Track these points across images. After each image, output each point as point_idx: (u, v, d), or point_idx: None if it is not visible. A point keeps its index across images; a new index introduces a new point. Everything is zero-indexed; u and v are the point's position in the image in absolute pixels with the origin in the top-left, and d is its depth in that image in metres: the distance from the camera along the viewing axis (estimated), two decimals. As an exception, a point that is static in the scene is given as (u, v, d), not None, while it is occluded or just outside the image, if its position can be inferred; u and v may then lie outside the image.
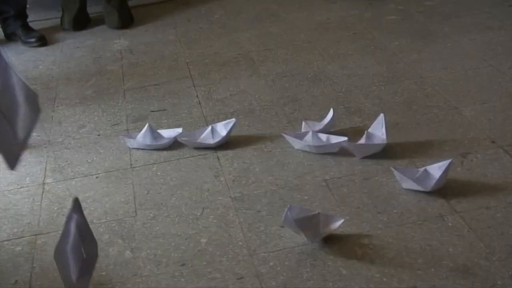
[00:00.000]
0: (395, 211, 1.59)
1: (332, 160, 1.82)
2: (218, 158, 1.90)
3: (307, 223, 1.47)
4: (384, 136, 1.81)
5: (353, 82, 2.25)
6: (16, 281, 1.51)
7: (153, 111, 2.23)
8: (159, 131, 2.02)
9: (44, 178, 1.91)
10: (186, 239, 1.58)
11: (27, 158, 1.99)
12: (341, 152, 1.83)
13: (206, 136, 1.96)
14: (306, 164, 1.82)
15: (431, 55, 2.38)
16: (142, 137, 1.99)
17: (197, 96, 2.30)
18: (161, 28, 2.99)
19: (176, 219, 1.66)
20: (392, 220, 1.56)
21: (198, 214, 1.67)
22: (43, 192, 1.84)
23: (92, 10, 3.13)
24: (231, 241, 1.55)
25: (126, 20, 3.05)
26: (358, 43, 2.56)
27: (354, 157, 1.82)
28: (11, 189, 1.86)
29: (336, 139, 1.84)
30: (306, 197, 1.68)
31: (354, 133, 1.91)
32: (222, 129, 1.96)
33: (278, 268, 1.45)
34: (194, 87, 2.38)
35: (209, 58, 2.61)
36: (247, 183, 1.77)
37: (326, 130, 1.91)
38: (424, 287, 1.35)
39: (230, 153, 1.92)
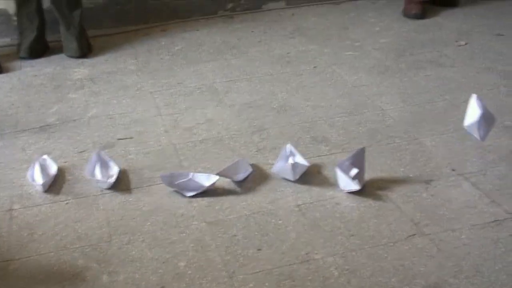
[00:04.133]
0: (366, 233, 1.65)
1: (303, 186, 1.87)
2: (190, 184, 1.92)
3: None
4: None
5: (317, 113, 2.33)
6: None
7: (120, 139, 2.23)
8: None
9: (11, 204, 1.86)
10: (163, 262, 1.59)
11: (-8, 184, 1.95)
12: (310, 179, 1.89)
13: (185, 186, 1.86)
14: (278, 190, 1.86)
15: (390, 89, 2.50)
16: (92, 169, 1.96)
17: (164, 124, 2.32)
18: (122, 58, 3.01)
19: (152, 244, 1.66)
20: (364, 242, 1.62)
21: (174, 238, 1.68)
22: (11, 218, 1.80)
23: (50, 37, 3.11)
24: (209, 264, 1.57)
25: (85, 48, 3.05)
26: (319, 76, 2.66)
27: (323, 184, 1.88)
28: (-23, 215, 1.82)
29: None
30: (280, 222, 1.72)
31: (325, 161, 1.98)
32: (204, 180, 1.86)
33: (258, 290, 1.47)
34: (161, 116, 2.40)
35: (173, 88, 2.64)
36: (221, 208, 1.80)
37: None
38: (400, 305, 1.41)
39: (202, 179, 1.94)
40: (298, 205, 1.79)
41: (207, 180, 1.86)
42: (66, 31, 3.01)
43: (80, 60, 2.99)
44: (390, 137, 2.13)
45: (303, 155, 2.00)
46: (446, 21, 3.26)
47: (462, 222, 1.68)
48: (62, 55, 3.04)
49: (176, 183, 1.86)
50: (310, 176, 1.92)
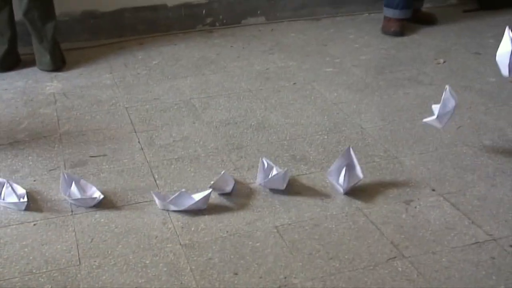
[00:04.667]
0: (346, 256, 1.61)
1: (281, 207, 1.83)
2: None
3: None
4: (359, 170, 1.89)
5: (296, 131, 2.30)
6: None
7: (92, 156, 2.17)
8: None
9: (-24, 225, 1.78)
10: (135, 288, 1.52)
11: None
12: (289, 199, 1.85)
13: (176, 201, 1.81)
14: (256, 210, 1.81)
15: (369, 107, 2.48)
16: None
17: (139, 141, 2.26)
18: (96, 72, 2.94)
19: (124, 268, 1.59)
20: (344, 266, 1.57)
21: (147, 262, 1.61)
22: (-25, 240, 1.72)
23: (23, 50, 3.03)
24: (183, 289, 1.51)
25: (58, 62, 2.97)
26: (298, 93, 2.63)
27: (301, 204, 1.84)
28: None
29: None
30: (257, 244, 1.67)
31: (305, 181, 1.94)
32: (197, 195, 1.83)
33: (234, 317, 1.41)
34: (135, 132, 2.33)
35: (149, 104, 2.58)
36: (196, 229, 1.74)
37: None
38: (380, 333, 1.36)
39: (177, 199, 1.88)
40: (276, 227, 1.74)
41: (200, 194, 1.82)
42: (39, 44, 2.93)
43: (53, 74, 2.92)
44: (370, 156, 2.09)
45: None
46: (425, 39, 3.26)
47: (442, 244, 1.64)
48: (35, 69, 2.96)
49: (168, 200, 1.81)
50: (289, 195, 1.88)
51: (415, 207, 1.80)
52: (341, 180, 1.85)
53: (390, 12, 3.32)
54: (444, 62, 2.95)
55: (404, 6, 3.28)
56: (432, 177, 1.95)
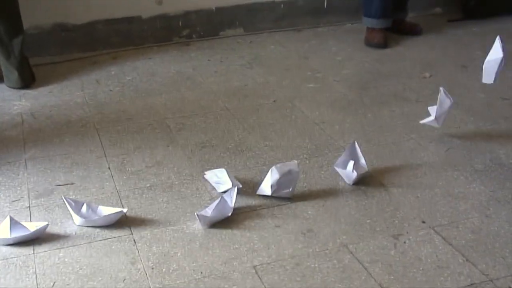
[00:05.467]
0: (331, 301, 1.48)
1: (260, 243, 1.69)
2: (134, 241, 1.72)
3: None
4: (364, 161, 1.96)
5: (276, 155, 2.16)
6: None
7: (59, 185, 2.02)
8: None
9: None
10: None
11: None
12: (269, 234, 1.72)
13: (220, 207, 1.78)
14: (232, 247, 1.68)
15: (353, 126, 2.36)
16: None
17: (109, 167, 2.12)
18: (67, 89, 2.79)
19: (87, 318, 1.45)
20: (328, 312, 1.45)
21: (113, 310, 1.47)
22: None
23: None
24: None
25: (27, 79, 2.82)
26: (278, 112, 2.50)
27: (282, 240, 1.71)
28: None
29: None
30: (234, 287, 1.53)
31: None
32: (229, 199, 1.81)
33: None
34: (106, 157, 2.19)
35: (121, 124, 2.44)
36: (168, 271, 1.60)
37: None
38: None
39: (147, 235, 1.74)
40: (255, 266, 1.60)
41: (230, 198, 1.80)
42: (6, 60, 2.77)
43: (22, 92, 2.77)
44: (355, 183, 1.97)
45: (259, 202, 1.83)
46: (409, 51, 3.16)
47: (435, 286, 1.52)
48: (2, 86, 2.81)
49: (213, 213, 1.75)
50: (268, 229, 1.74)
51: (405, 242, 1.67)
52: (349, 171, 1.91)
53: (368, 22, 3.22)
54: (431, 76, 2.84)
55: (381, 15, 3.17)
56: (421, 206, 1.83)
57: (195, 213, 1.77)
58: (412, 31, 3.38)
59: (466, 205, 1.83)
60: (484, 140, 2.22)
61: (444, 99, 2.12)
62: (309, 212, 1.82)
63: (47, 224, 1.76)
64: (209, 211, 1.77)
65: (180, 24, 3.33)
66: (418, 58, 3.06)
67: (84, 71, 2.98)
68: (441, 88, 2.13)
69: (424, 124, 2.24)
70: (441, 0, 3.74)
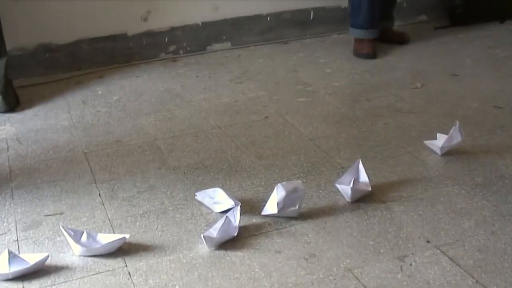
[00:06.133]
0: (338, 331, 1.43)
1: (261, 271, 1.63)
2: (129, 274, 1.65)
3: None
4: (367, 180, 1.92)
5: (271, 174, 2.11)
6: None
7: (48, 215, 1.94)
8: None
9: None
10: None
11: None
12: (268, 259, 1.66)
13: (225, 228, 1.73)
14: (233, 277, 1.61)
15: (348, 141, 2.31)
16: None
17: (99, 194, 2.04)
18: (53, 112, 2.71)
19: None
20: None
21: None
22: None
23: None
24: None
25: (11, 102, 2.74)
26: (271, 129, 2.45)
27: (284, 266, 1.64)
28: None
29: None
30: (237, 320, 1.48)
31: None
32: (233, 218, 1.77)
33: None
34: (95, 183, 2.12)
35: (110, 147, 2.37)
36: (166, 305, 1.53)
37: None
38: None
39: (143, 267, 1.67)
40: (257, 296, 1.54)
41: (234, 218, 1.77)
42: (-11, 83, 2.69)
43: (6, 116, 2.69)
44: (354, 202, 1.91)
45: (257, 226, 1.77)
46: (399, 61, 3.13)
47: (444, 310, 1.47)
48: (-15, 110, 2.72)
49: (218, 234, 1.70)
50: (269, 255, 1.68)
51: (411, 264, 1.62)
52: (348, 189, 1.87)
53: (356, 33, 3.18)
54: (422, 86, 2.80)
55: (369, 26, 3.14)
56: (425, 224, 1.78)
57: (201, 235, 1.70)
58: (400, 39, 3.35)
59: (470, 222, 1.79)
60: (482, 151, 2.19)
61: (456, 134, 2.12)
62: (310, 235, 1.76)
63: (48, 256, 1.68)
64: (214, 232, 1.71)
65: (166, 40, 3.27)
66: (408, 68, 3.03)
67: (69, 91, 2.91)
68: (457, 122, 2.13)
69: (418, 136, 2.20)
70: (426, 7, 3.72)
